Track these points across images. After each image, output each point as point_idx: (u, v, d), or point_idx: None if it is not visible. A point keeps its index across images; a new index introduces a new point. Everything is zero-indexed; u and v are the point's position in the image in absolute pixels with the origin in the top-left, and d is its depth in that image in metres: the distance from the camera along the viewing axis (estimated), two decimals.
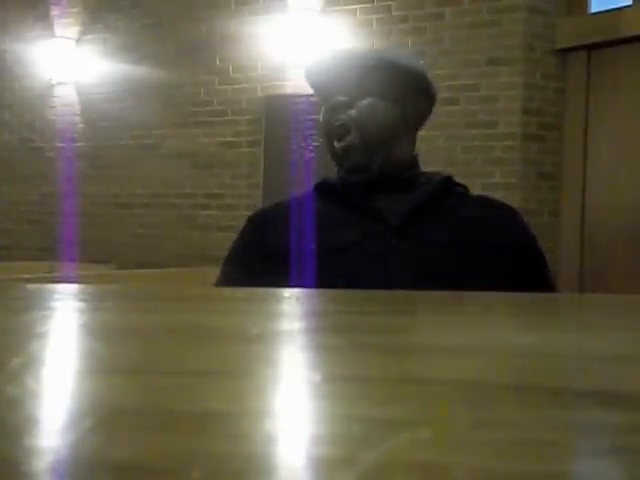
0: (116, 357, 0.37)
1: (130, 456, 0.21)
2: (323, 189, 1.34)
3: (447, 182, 1.32)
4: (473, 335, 0.45)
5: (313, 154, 4.13)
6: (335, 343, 0.40)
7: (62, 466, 0.21)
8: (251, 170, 4.37)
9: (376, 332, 0.45)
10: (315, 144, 4.14)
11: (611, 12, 3.63)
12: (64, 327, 0.50)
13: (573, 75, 3.73)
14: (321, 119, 1.36)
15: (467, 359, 0.37)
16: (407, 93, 1.32)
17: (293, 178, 4.01)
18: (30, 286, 0.73)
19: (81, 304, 0.61)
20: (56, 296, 0.68)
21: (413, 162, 1.34)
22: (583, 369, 0.35)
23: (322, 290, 0.72)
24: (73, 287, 0.86)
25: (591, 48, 3.66)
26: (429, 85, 1.34)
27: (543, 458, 0.22)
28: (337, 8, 4.12)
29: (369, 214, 1.25)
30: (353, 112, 1.30)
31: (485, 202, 1.34)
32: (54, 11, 5.03)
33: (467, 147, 3.70)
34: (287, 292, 0.72)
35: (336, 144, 1.31)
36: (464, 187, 1.34)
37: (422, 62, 1.35)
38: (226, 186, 4.47)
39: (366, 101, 1.30)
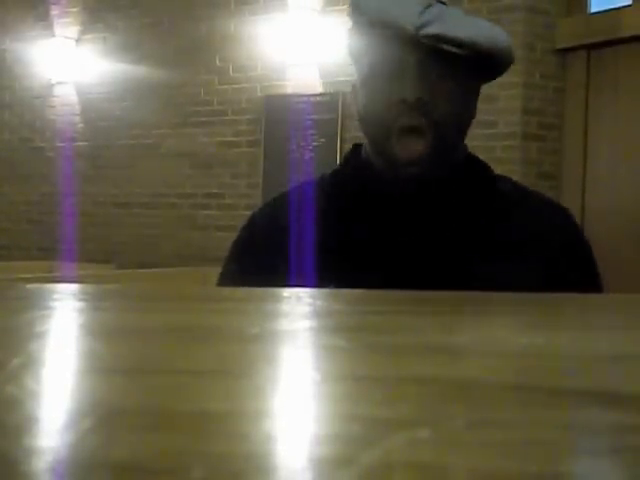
0: (116, 357, 0.37)
1: (129, 456, 0.21)
2: (344, 195, 1.09)
3: (489, 186, 1.10)
4: (473, 335, 0.45)
5: (313, 154, 4.13)
6: (335, 343, 0.40)
7: (62, 466, 0.21)
8: (251, 170, 4.37)
9: (376, 332, 0.45)
10: (315, 144, 4.13)
11: (611, 12, 3.63)
12: (64, 327, 0.50)
13: (573, 75, 3.73)
14: (376, 87, 1.03)
15: (467, 359, 0.37)
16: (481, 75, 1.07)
17: (293, 178, 4.01)
18: (30, 286, 0.73)
19: (81, 304, 0.61)
20: (56, 296, 0.68)
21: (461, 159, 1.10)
22: (583, 369, 0.35)
23: (323, 290, 0.72)
24: (73, 287, 0.86)
25: (591, 48, 3.66)
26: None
27: (543, 458, 0.22)
28: (337, 8, 4.11)
29: (398, 244, 1.03)
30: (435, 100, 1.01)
31: (536, 209, 1.10)
32: (54, 11, 5.03)
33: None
34: (287, 292, 0.72)
35: (404, 144, 1.01)
36: (505, 180, 1.13)
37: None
38: (226, 186, 4.47)
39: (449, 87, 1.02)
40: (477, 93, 1.09)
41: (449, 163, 1.07)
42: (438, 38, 0.98)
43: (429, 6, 1.00)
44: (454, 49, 0.98)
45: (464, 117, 1.06)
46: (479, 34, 1.00)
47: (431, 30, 0.98)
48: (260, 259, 1.10)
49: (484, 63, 1.02)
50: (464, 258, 1.03)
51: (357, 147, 1.14)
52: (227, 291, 0.87)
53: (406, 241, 1.04)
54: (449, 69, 1.01)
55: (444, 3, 1.05)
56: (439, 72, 1.00)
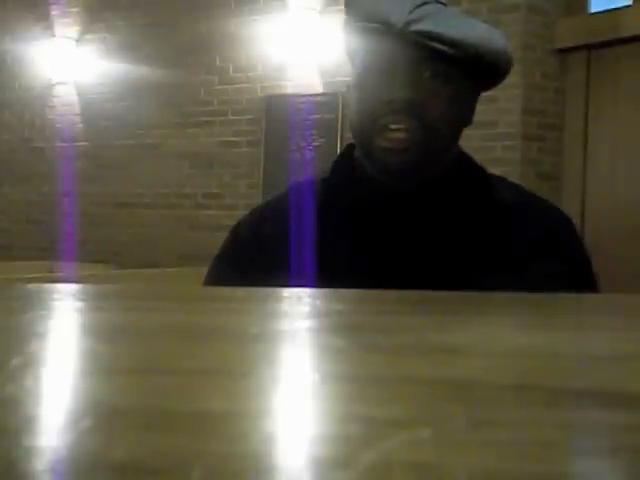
0: (116, 357, 0.37)
1: (129, 456, 0.21)
2: (335, 204, 1.05)
3: (483, 189, 1.06)
4: (473, 335, 0.45)
5: (313, 154, 4.13)
6: (335, 343, 0.40)
7: (62, 466, 0.21)
8: (251, 170, 4.37)
9: (376, 332, 0.45)
10: (315, 144, 4.13)
11: (611, 12, 3.63)
12: (64, 327, 0.50)
13: (573, 75, 3.73)
14: (364, 85, 1.00)
15: (467, 359, 0.37)
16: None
17: (293, 178, 4.01)
18: (30, 286, 0.73)
19: (81, 304, 0.61)
20: (56, 296, 0.68)
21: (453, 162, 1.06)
22: (583, 369, 0.35)
23: (322, 290, 0.72)
24: (73, 287, 0.86)
25: (591, 48, 3.66)
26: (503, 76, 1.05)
27: (543, 458, 0.22)
28: (337, 8, 4.11)
29: (391, 251, 1.01)
30: (420, 94, 0.96)
31: (533, 213, 1.06)
32: (54, 11, 5.03)
33: (467, 147, 3.70)
34: (287, 292, 0.72)
35: (386, 136, 0.96)
36: (500, 182, 1.09)
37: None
38: (226, 186, 4.47)
39: (443, 86, 0.97)
40: (474, 99, 1.06)
41: (439, 164, 1.03)
42: (426, 35, 0.94)
43: (424, 4, 0.97)
44: (444, 47, 0.95)
45: (456, 120, 1.02)
46: (473, 35, 0.96)
47: (420, 27, 0.94)
48: (243, 268, 1.06)
49: (479, 67, 0.99)
50: (459, 264, 1.00)
51: (348, 149, 1.11)
52: (227, 291, 0.87)
53: (399, 248, 1.01)
54: (441, 70, 0.97)
55: (443, 3, 1.01)
56: (430, 73, 0.96)
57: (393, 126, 0.96)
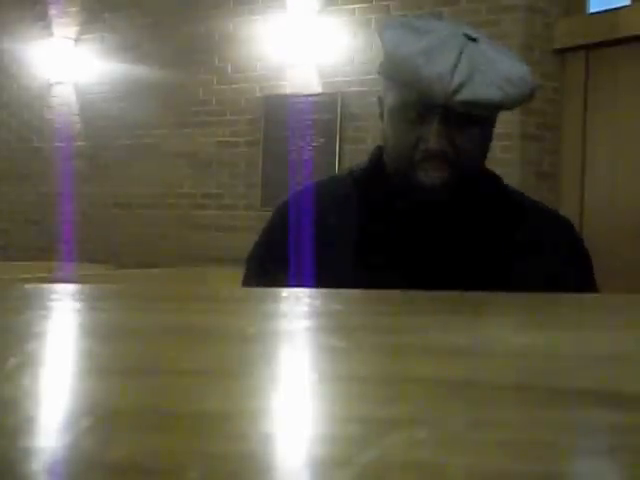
0: (115, 357, 0.36)
1: (128, 456, 0.21)
2: (367, 198, 1.09)
3: (503, 198, 1.12)
4: (473, 335, 0.45)
5: (312, 154, 4.13)
6: (334, 343, 0.40)
7: (60, 466, 0.21)
8: (250, 170, 4.37)
9: (376, 332, 0.45)
10: (314, 144, 4.13)
11: (610, 12, 3.63)
12: (62, 327, 0.50)
13: (572, 75, 3.73)
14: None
15: (467, 359, 0.37)
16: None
17: (292, 178, 4.01)
18: (29, 286, 0.73)
19: (80, 304, 0.61)
20: (55, 296, 0.67)
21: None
22: (583, 369, 0.35)
23: (322, 290, 0.72)
24: (72, 287, 0.85)
25: (590, 48, 3.66)
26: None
27: (543, 458, 0.22)
28: (335, 8, 4.12)
29: (416, 248, 1.05)
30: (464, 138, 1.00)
31: (543, 221, 1.14)
32: (52, 11, 5.03)
33: None
34: (286, 292, 0.72)
35: (423, 176, 1.01)
36: (516, 193, 1.16)
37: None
38: (225, 186, 4.47)
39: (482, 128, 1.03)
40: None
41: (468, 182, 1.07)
42: (469, 104, 0.96)
43: (461, 53, 0.97)
44: (485, 113, 0.99)
45: (486, 152, 1.07)
46: (510, 91, 0.98)
47: (462, 97, 0.95)
48: (283, 248, 1.07)
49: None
50: (479, 261, 1.06)
51: (378, 150, 1.12)
52: (227, 291, 0.87)
53: (424, 245, 1.06)
54: (477, 123, 1.01)
55: (474, 39, 1.01)
56: (466, 127, 1.00)
57: (430, 172, 1.00)
